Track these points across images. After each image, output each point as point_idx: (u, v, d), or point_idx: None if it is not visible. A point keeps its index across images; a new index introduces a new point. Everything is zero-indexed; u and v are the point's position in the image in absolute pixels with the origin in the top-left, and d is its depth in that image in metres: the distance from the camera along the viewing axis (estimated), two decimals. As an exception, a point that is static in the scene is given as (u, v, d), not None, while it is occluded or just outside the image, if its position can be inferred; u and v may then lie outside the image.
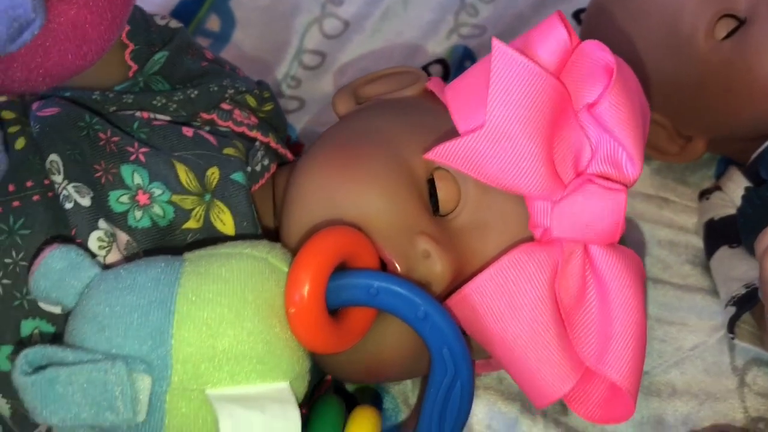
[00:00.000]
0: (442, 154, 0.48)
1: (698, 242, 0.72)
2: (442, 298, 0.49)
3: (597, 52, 0.50)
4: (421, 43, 0.84)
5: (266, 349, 0.44)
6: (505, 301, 0.47)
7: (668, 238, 0.73)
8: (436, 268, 0.48)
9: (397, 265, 0.48)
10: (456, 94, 0.52)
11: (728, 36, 0.66)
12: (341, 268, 0.46)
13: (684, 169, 0.78)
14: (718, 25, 0.66)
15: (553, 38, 0.50)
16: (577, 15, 0.84)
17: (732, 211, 0.69)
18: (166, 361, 0.42)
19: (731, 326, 0.64)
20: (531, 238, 0.50)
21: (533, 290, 0.47)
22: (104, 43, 0.46)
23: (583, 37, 0.73)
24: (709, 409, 0.63)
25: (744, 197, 0.68)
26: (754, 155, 0.69)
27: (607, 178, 0.49)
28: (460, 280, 0.50)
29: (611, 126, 0.48)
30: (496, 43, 0.48)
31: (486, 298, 0.47)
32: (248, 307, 0.44)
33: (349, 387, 0.60)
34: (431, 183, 0.50)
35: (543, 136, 0.48)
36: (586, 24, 0.76)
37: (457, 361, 0.47)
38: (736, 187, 0.70)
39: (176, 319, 0.43)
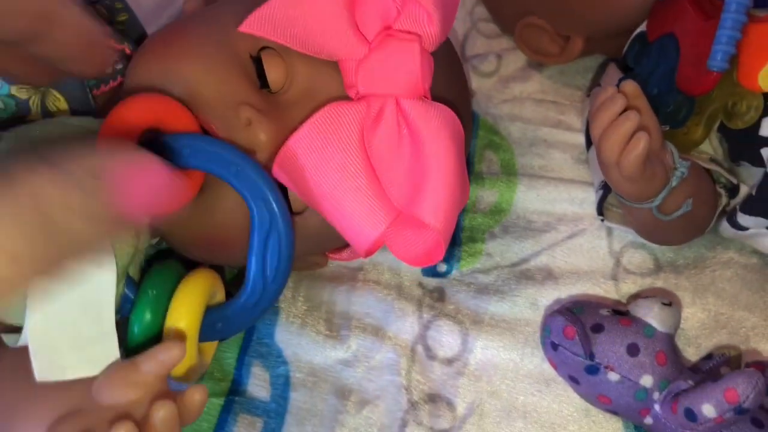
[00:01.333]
0: (252, 24, 0.51)
1: (583, 140, 0.75)
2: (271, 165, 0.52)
3: None
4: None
5: None
6: (319, 154, 0.50)
7: (556, 138, 0.76)
8: (259, 136, 0.51)
9: (217, 130, 0.51)
10: None
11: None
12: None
13: (574, 74, 0.80)
14: None
15: None
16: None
17: None
18: None
19: (599, 209, 0.67)
20: (347, 99, 0.53)
21: (343, 142, 0.51)
22: None
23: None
24: (581, 289, 0.66)
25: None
26: (625, 48, 0.71)
27: (409, 33, 0.52)
28: None
29: None
30: None
31: (303, 154, 0.51)
32: None
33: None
34: (259, 61, 0.54)
35: None
36: None
37: (272, 212, 0.50)
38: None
39: None
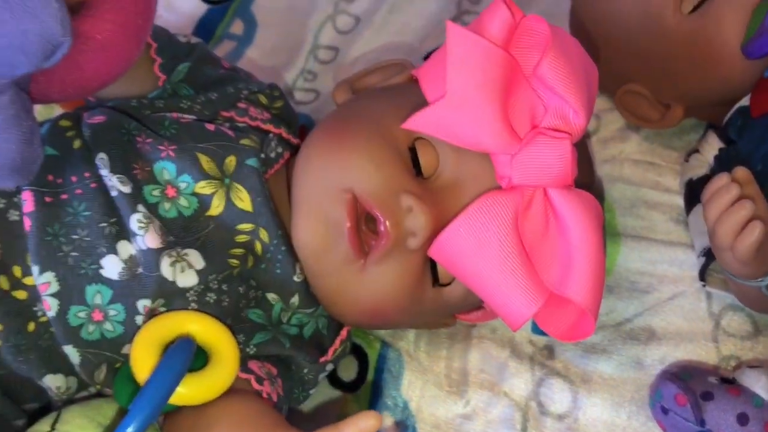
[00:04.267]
0: (415, 122, 0.57)
1: (681, 202, 0.77)
2: (427, 245, 0.58)
3: (536, 26, 0.58)
4: (427, 33, 0.90)
5: None
6: (476, 240, 0.56)
7: (654, 199, 0.78)
8: (419, 219, 0.57)
9: (385, 219, 0.57)
10: (425, 72, 0.61)
11: (694, 10, 0.72)
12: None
13: (671, 135, 0.81)
14: (685, 1, 0.72)
15: (498, 17, 0.58)
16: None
17: (707, 171, 0.74)
18: None
19: (702, 275, 0.71)
20: (499, 188, 0.58)
21: (499, 229, 0.56)
22: (131, 56, 0.54)
23: (571, 18, 0.81)
24: (683, 350, 0.70)
25: (716, 158, 0.74)
26: (726, 118, 0.74)
27: (559, 130, 0.57)
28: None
29: (553, 84, 0.56)
30: (450, 25, 0.57)
31: (461, 238, 0.56)
32: None
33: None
34: (413, 151, 0.59)
35: (498, 100, 0.56)
36: (572, 8, 0.82)
37: None
38: (710, 149, 0.75)
39: None
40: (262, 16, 0.92)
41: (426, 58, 0.88)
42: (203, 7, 0.92)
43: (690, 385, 0.62)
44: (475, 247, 0.56)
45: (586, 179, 0.62)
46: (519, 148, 0.57)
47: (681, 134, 0.82)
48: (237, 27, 0.92)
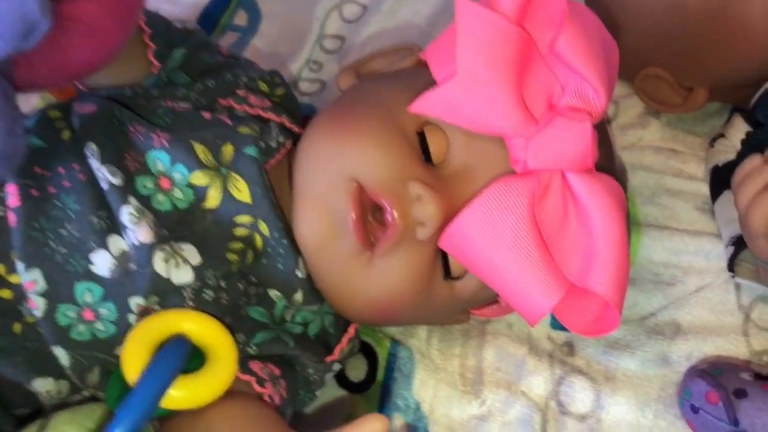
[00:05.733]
0: (423, 105, 0.54)
1: (706, 190, 0.74)
2: (438, 236, 0.54)
3: (552, 0, 0.54)
4: (437, 21, 0.87)
5: None
6: (491, 229, 0.52)
7: (677, 187, 0.75)
8: (428, 208, 0.54)
9: (392, 209, 0.53)
10: (434, 52, 0.58)
11: (716, -12, 0.68)
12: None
13: (694, 121, 0.79)
14: None
15: None
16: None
17: (734, 156, 0.71)
18: None
19: (731, 265, 0.67)
20: (513, 173, 0.55)
21: (514, 216, 0.52)
22: (118, 39, 0.50)
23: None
24: (712, 345, 0.66)
25: (743, 142, 0.70)
26: (753, 101, 0.71)
27: (578, 110, 0.53)
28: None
29: (571, 61, 0.52)
30: (459, 0, 0.53)
31: (474, 227, 0.53)
32: None
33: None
34: (422, 136, 0.56)
35: (512, 79, 0.52)
36: None
37: None
38: (737, 133, 0.71)
39: None
40: (265, 6, 0.89)
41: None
42: (206, -1, 0.89)
43: (721, 381, 0.58)
44: (489, 237, 0.52)
45: (606, 163, 0.58)
46: (535, 130, 0.53)
47: (704, 119, 0.79)
48: (240, 18, 0.89)
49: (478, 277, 0.55)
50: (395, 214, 0.54)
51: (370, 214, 0.55)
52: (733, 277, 0.68)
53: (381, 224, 0.55)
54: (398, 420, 0.63)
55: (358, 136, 0.56)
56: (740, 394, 0.57)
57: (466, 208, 0.53)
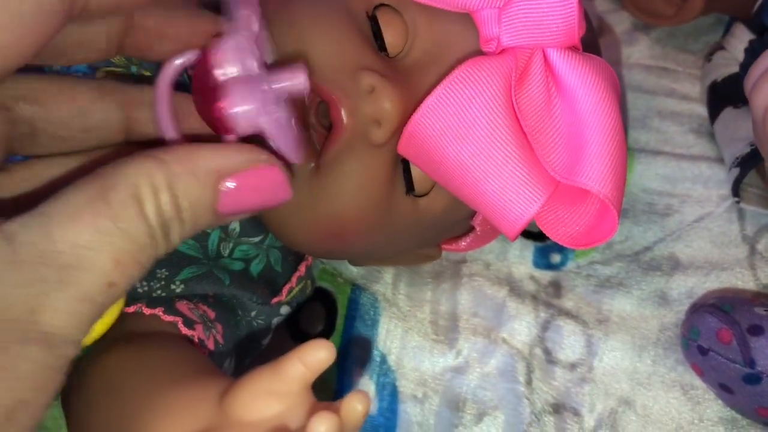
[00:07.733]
0: None
1: (703, 110, 0.68)
2: (396, 140, 0.45)
3: None
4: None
5: None
6: (459, 121, 0.43)
7: (669, 108, 0.69)
8: (384, 103, 0.44)
9: (339, 104, 0.43)
10: None
11: None
12: None
13: (686, 37, 0.73)
14: None
15: None
16: None
17: (735, 69, 0.64)
18: None
19: (735, 189, 0.60)
20: (485, 55, 0.45)
21: (486, 103, 0.43)
22: None
23: None
24: (715, 279, 0.59)
25: (746, 50, 0.62)
26: (757, 4, 0.63)
27: None
28: None
29: None
30: None
31: (438, 120, 0.43)
32: None
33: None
34: (375, 21, 0.46)
35: None
36: None
37: None
38: (738, 42, 0.64)
39: None
40: None
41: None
42: None
43: (734, 317, 0.50)
44: (457, 131, 0.42)
45: (590, 40, 0.48)
46: None
47: (697, 35, 0.73)
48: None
49: (446, 188, 0.45)
50: (343, 111, 0.44)
51: (314, 117, 0.45)
52: (738, 202, 0.60)
53: (326, 129, 0.45)
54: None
55: (297, 18, 0.46)
56: (755, 330, 0.50)
57: (429, 97, 0.43)
